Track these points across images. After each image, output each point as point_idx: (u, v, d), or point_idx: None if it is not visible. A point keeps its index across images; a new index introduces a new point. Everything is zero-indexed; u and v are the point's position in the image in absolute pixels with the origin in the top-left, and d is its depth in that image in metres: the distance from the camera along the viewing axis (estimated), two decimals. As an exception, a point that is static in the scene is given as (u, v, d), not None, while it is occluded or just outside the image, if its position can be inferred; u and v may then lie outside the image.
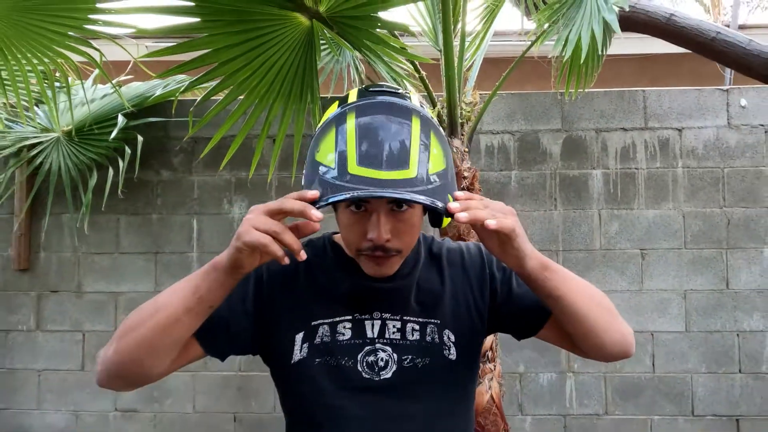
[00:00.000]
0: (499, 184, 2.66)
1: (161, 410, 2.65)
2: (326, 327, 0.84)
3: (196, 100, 2.38)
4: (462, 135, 1.85)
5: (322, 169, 0.75)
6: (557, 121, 2.68)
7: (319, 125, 0.82)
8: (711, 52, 2.15)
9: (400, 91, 0.81)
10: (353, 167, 0.72)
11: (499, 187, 2.65)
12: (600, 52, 1.89)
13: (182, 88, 1.80)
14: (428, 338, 0.86)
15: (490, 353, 1.76)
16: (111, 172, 2.38)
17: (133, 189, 2.62)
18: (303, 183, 0.80)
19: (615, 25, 1.68)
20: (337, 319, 0.84)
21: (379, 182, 0.70)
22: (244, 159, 2.47)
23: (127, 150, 2.33)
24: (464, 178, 1.79)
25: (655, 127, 2.66)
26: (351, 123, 0.75)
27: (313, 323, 0.84)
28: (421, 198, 0.71)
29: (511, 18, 2.51)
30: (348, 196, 0.70)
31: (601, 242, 2.63)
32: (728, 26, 3.45)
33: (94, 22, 1.84)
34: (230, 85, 1.66)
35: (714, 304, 2.58)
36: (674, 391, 2.56)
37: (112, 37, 1.87)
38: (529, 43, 2.08)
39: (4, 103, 2.36)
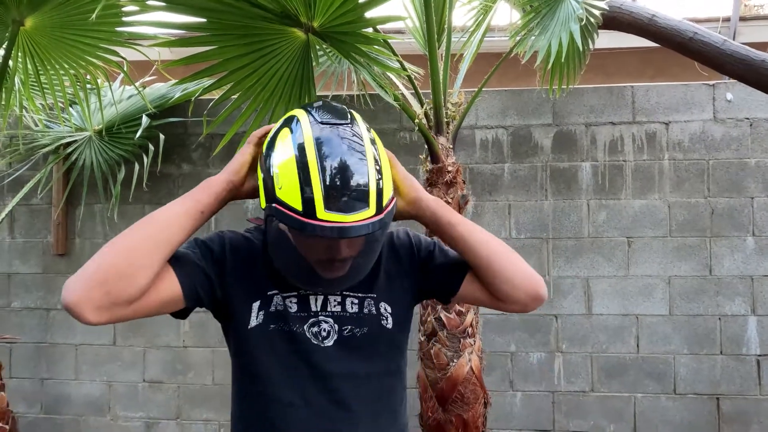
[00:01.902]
0: (492, 176, 2.83)
1: (184, 382, 2.94)
2: (280, 297, 0.95)
3: (211, 100, 2.62)
4: (447, 133, 2.04)
5: (286, 206, 0.83)
6: (548, 116, 2.83)
7: (274, 150, 0.87)
8: (689, 51, 2.27)
9: (345, 111, 0.91)
10: (321, 212, 0.81)
11: (492, 179, 2.83)
12: (566, 56, 2.02)
13: (198, 92, 2.04)
14: (366, 310, 0.98)
15: (470, 329, 1.96)
16: (137, 166, 2.64)
17: (157, 181, 2.89)
18: (264, 215, 0.89)
19: (577, 35, 1.83)
20: (286, 294, 0.96)
21: (344, 227, 0.81)
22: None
23: (151, 147, 2.59)
24: (448, 172, 1.98)
25: (643, 121, 2.79)
26: (313, 164, 0.82)
27: (269, 293, 0.95)
28: (377, 232, 0.85)
29: (506, 12, 2.64)
30: (325, 236, 0.82)
31: (589, 231, 2.79)
32: (728, 19, 3.52)
33: (120, 34, 2.09)
34: (239, 90, 1.88)
35: (697, 290, 2.72)
36: (657, 371, 2.72)
37: (136, 46, 2.11)
38: (516, 41, 2.24)
39: (43, 105, 2.63)
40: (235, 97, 1.91)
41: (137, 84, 2.48)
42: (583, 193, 2.80)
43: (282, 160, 0.86)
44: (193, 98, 2.06)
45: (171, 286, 0.88)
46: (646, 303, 2.74)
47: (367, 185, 0.84)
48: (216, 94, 2.11)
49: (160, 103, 2.56)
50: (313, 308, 0.96)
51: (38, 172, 2.76)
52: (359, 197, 0.83)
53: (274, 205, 0.85)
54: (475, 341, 1.97)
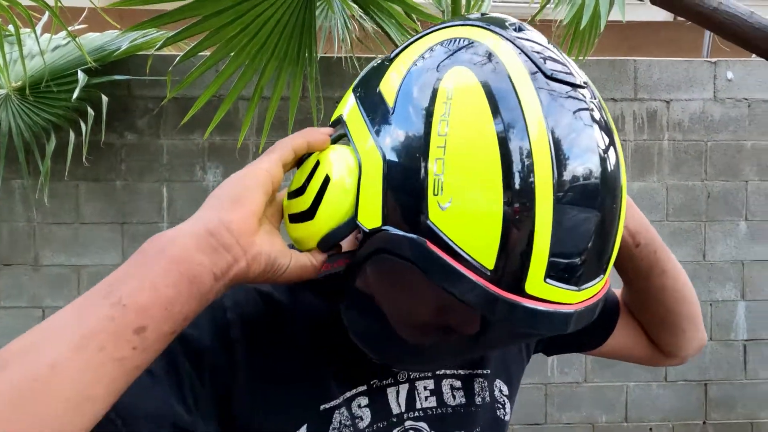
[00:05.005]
0: (487, 153, 2.58)
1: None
2: (344, 411, 0.56)
3: (166, 56, 2.15)
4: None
5: (458, 256, 0.40)
6: (548, 90, 2.61)
7: (435, 111, 0.41)
8: (711, 23, 2.09)
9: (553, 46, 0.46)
10: (536, 283, 0.40)
11: (487, 157, 2.58)
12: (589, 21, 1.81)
13: (158, 44, 1.60)
14: (478, 399, 0.62)
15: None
16: (72, 135, 2.14)
17: (93, 153, 2.38)
18: (364, 248, 0.45)
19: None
20: (349, 394, 0.57)
21: (573, 314, 0.42)
22: (219, 122, 2.28)
23: (90, 111, 2.09)
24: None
25: (645, 99, 2.63)
26: (547, 188, 0.39)
27: (322, 407, 0.55)
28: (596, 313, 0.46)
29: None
30: (533, 331, 0.45)
31: (586, 214, 2.62)
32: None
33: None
34: (217, 42, 1.48)
35: (691, 275, 2.56)
36: (649, 359, 2.65)
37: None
38: (533, 6, 1.97)
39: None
40: (210, 51, 1.51)
41: (65, 32, 1.98)
42: (582, 174, 2.62)
43: (461, 147, 0.40)
44: (152, 50, 1.62)
45: None
46: (641, 290, 2.64)
47: (614, 232, 0.43)
48: (182, 47, 1.69)
49: (101, 56, 2.06)
50: (395, 409, 0.57)
51: (-65, 139, 2.18)
52: (602, 253, 0.43)
53: (415, 237, 0.40)
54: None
